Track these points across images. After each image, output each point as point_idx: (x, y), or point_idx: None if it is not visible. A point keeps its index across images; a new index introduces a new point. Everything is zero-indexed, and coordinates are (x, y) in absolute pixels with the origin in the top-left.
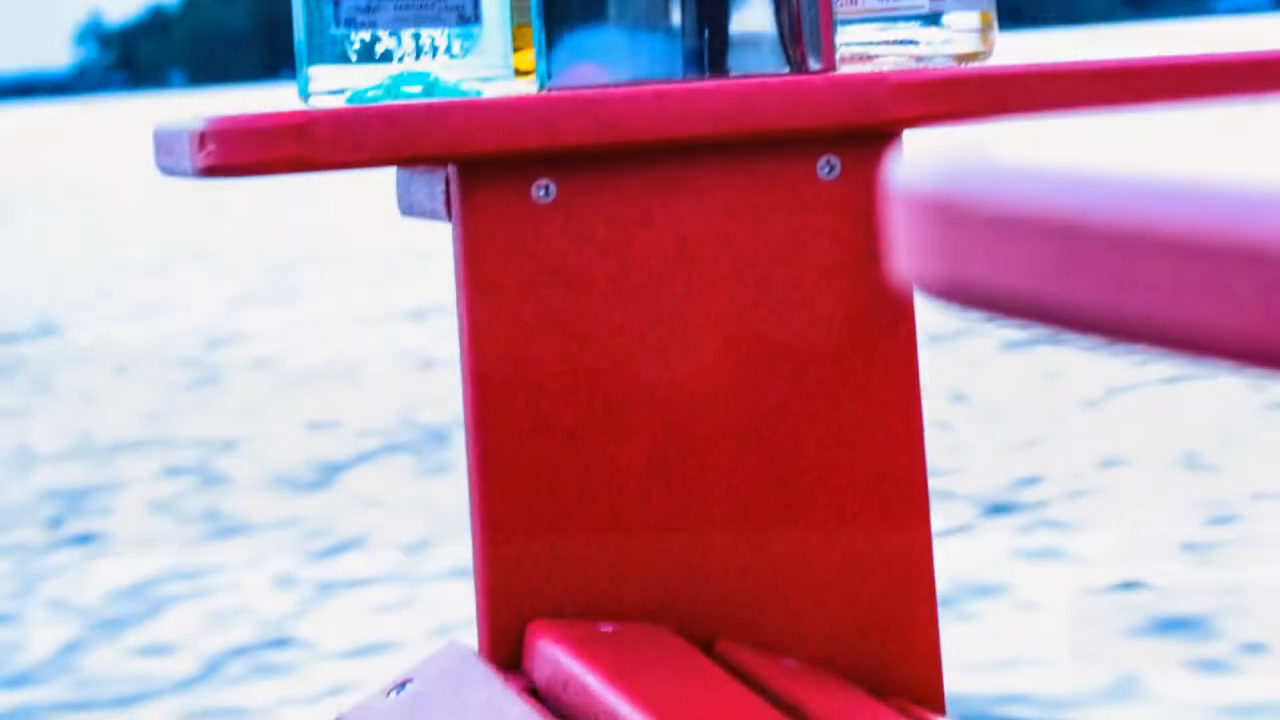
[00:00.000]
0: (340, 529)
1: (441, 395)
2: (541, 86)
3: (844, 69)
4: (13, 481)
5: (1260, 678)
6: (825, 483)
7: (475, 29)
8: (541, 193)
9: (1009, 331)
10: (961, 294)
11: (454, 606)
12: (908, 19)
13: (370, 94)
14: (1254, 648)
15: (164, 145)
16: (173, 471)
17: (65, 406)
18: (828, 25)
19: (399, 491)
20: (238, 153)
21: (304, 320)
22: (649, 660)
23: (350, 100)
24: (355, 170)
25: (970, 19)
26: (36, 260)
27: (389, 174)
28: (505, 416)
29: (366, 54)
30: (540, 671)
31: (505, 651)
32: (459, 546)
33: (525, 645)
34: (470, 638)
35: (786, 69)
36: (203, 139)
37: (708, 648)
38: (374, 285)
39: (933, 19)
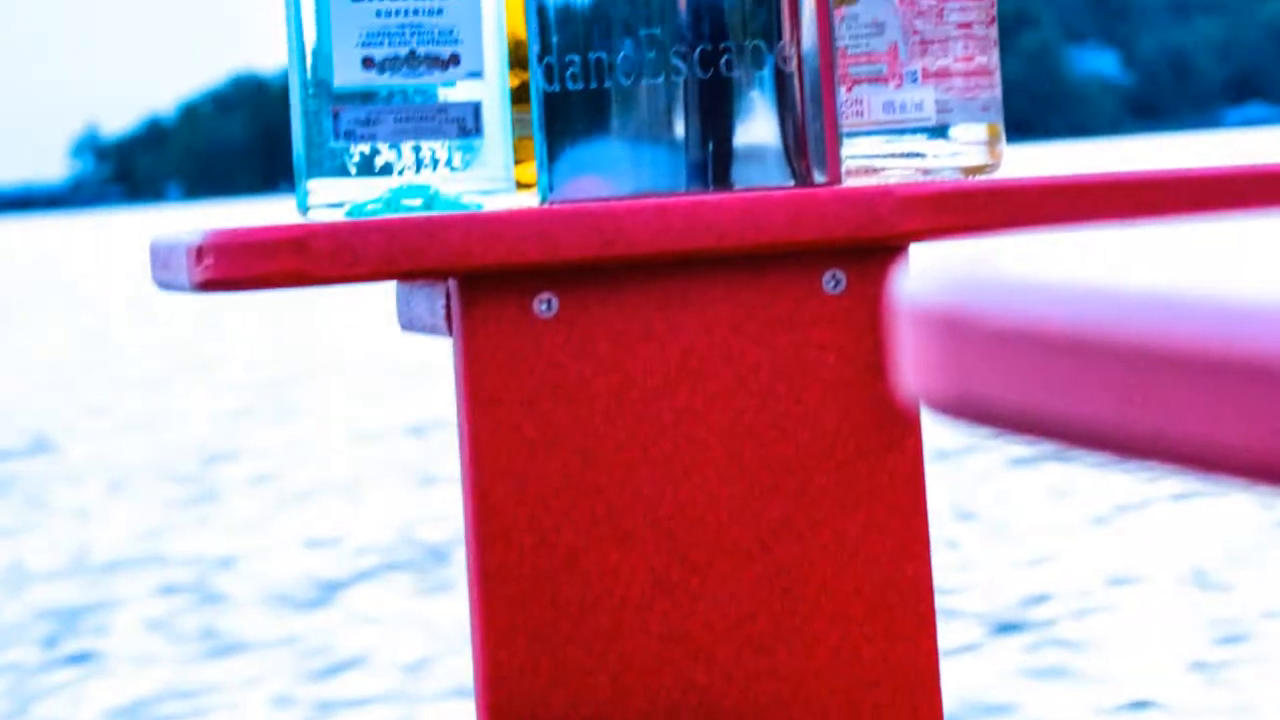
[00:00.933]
0: (339, 648)
1: (442, 512)
2: (543, 199)
3: (849, 182)
4: (7, 600)
5: None
6: (830, 598)
7: (476, 141)
8: (543, 307)
9: (1016, 448)
10: (968, 410)
11: None
12: (914, 131)
13: (370, 207)
14: None
15: (161, 259)
16: (169, 589)
17: (60, 524)
18: (833, 138)
19: (399, 609)
20: (236, 267)
21: (303, 435)
22: None
23: (350, 213)
24: (355, 284)
25: (977, 131)
26: (32, 375)
27: (389, 287)
28: (507, 532)
29: (366, 167)
30: None
31: None
32: (459, 665)
33: None
34: None
35: (791, 182)
36: (200, 253)
37: None
38: (373, 400)
39: (939, 131)
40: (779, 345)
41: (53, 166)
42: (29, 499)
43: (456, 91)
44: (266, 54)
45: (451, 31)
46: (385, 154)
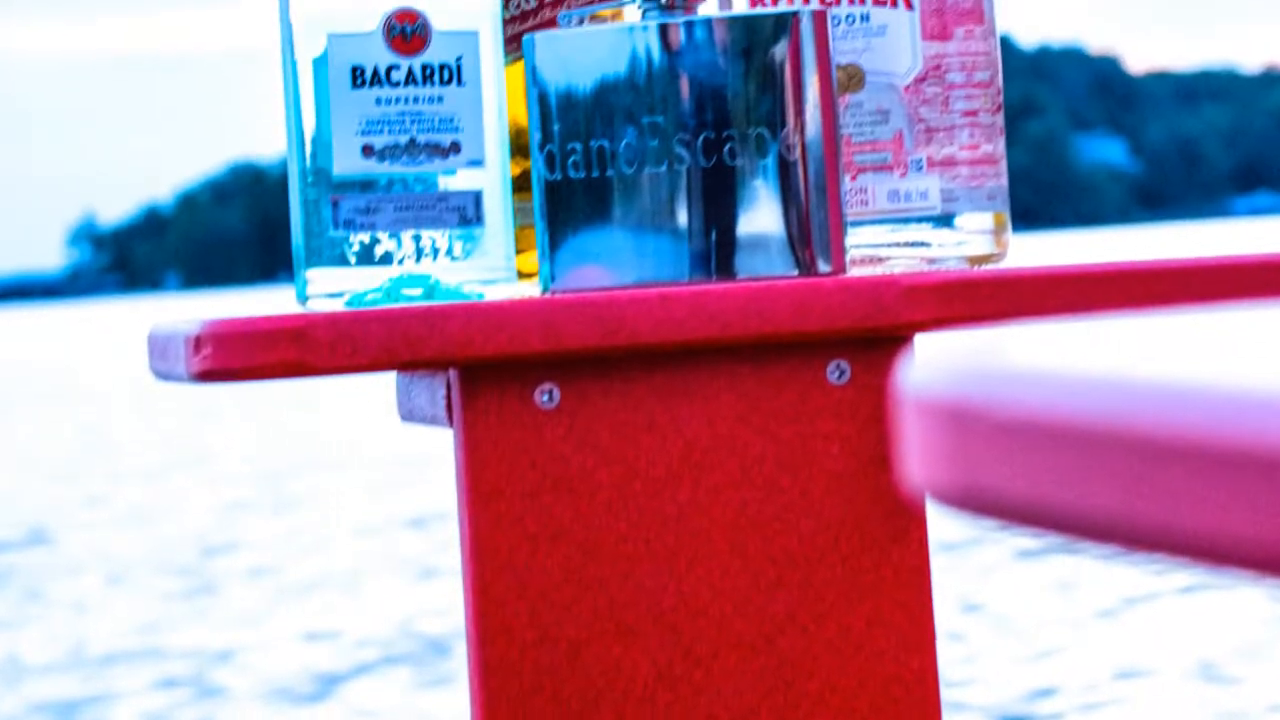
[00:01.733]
0: None
1: (443, 605)
2: (545, 289)
3: (854, 271)
4: (3, 694)
5: None
6: (835, 692)
7: (477, 230)
8: (545, 398)
9: (1023, 540)
10: (974, 502)
11: None
12: (919, 220)
13: (370, 297)
14: None
15: (158, 349)
16: (167, 683)
17: (57, 616)
18: (837, 227)
19: (399, 704)
20: (234, 357)
21: (301, 528)
22: None
23: (349, 303)
24: (354, 375)
25: (983, 220)
26: (28, 466)
27: (389, 377)
28: (508, 626)
29: (366, 256)
30: None
31: None
32: None
33: None
34: None
35: (795, 271)
36: (198, 343)
37: None
38: (373, 492)
39: (945, 220)
40: (783, 436)
41: (49, 256)
42: (26, 591)
43: (457, 180)
44: (265, 142)
45: (452, 119)
46: (385, 243)
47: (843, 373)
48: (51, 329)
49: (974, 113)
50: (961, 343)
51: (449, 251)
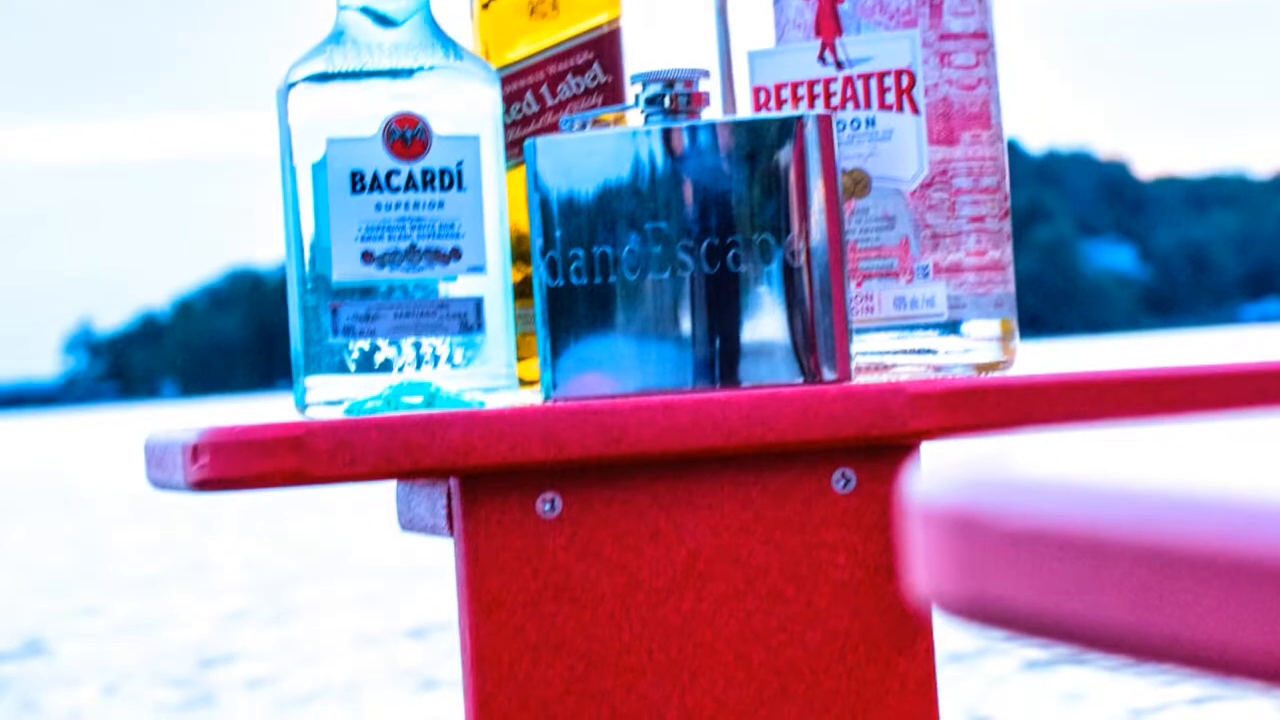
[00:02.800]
0: None
1: (444, 717)
2: (547, 397)
3: (859, 379)
4: None
5: None
6: None
7: (478, 337)
8: (547, 507)
9: (1031, 650)
10: (982, 612)
11: None
12: (925, 327)
13: (369, 405)
14: None
15: (155, 458)
16: None
17: None
18: (843, 334)
19: None
20: (232, 466)
21: (300, 638)
22: None
23: (348, 411)
24: (354, 484)
25: (990, 327)
26: (24, 575)
27: (389, 486)
28: None
29: (365, 364)
30: None
31: None
32: None
33: None
34: None
35: (800, 379)
36: (195, 452)
37: None
38: (373, 602)
39: (951, 327)
40: (788, 546)
41: (45, 363)
42: (21, 702)
43: (458, 286)
44: (263, 248)
45: (453, 225)
46: (385, 350)
47: (848, 481)
48: (47, 437)
49: (981, 218)
50: (968, 451)
51: (450, 359)
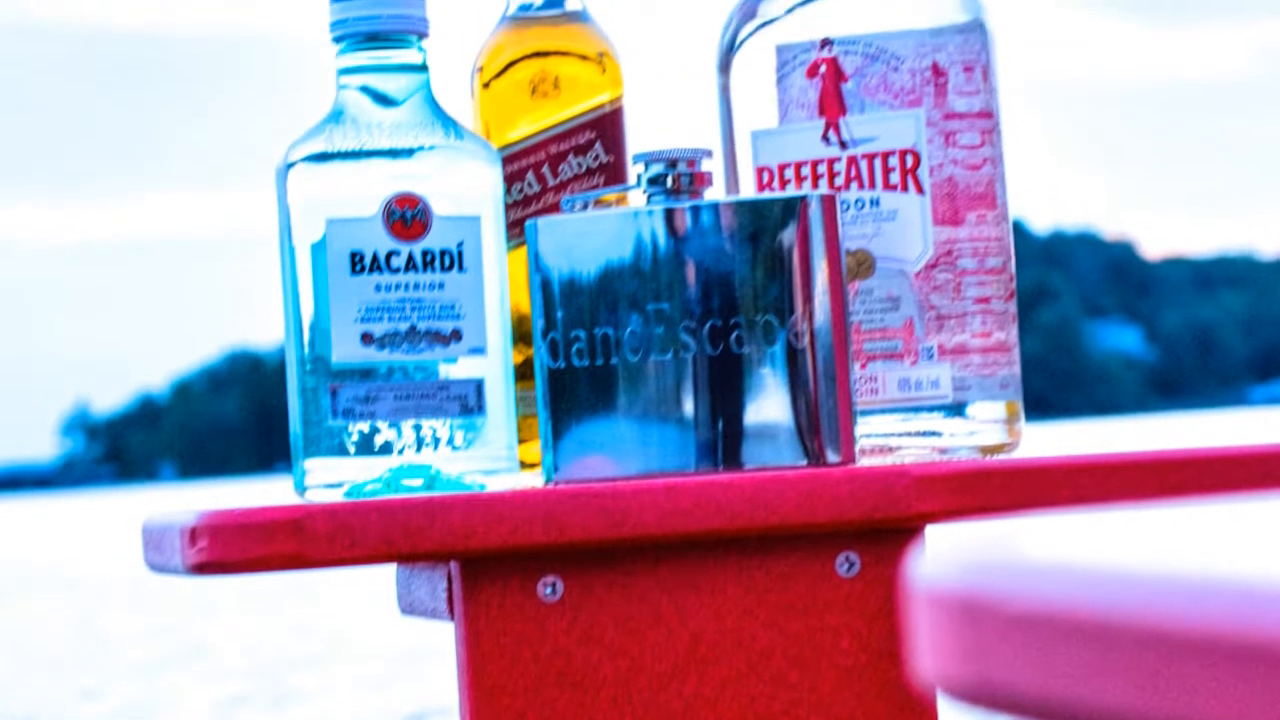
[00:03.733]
0: None
1: None
2: (548, 480)
3: (864, 461)
4: None
5: None
6: None
7: (479, 420)
8: (548, 590)
9: None
10: (987, 696)
11: None
12: (930, 410)
13: (369, 488)
14: None
15: (153, 541)
16: None
17: None
18: (847, 416)
19: None
20: (230, 549)
21: None
22: None
23: (348, 494)
24: (353, 567)
25: (995, 409)
26: (21, 658)
27: (389, 569)
28: None
29: (365, 446)
30: None
31: None
32: None
33: None
34: None
35: (804, 461)
36: (194, 535)
37: None
38: (374, 686)
39: (956, 410)
40: (791, 630)
41: (42, 446)
42: None
43: (458, 368)
44: (262, 329)
45: (453, 306)
46: (385, 433)
47: (852, 565)
48: (44, 520)
49: (986, 299)
50: (973, 534)
51: (450, 441)
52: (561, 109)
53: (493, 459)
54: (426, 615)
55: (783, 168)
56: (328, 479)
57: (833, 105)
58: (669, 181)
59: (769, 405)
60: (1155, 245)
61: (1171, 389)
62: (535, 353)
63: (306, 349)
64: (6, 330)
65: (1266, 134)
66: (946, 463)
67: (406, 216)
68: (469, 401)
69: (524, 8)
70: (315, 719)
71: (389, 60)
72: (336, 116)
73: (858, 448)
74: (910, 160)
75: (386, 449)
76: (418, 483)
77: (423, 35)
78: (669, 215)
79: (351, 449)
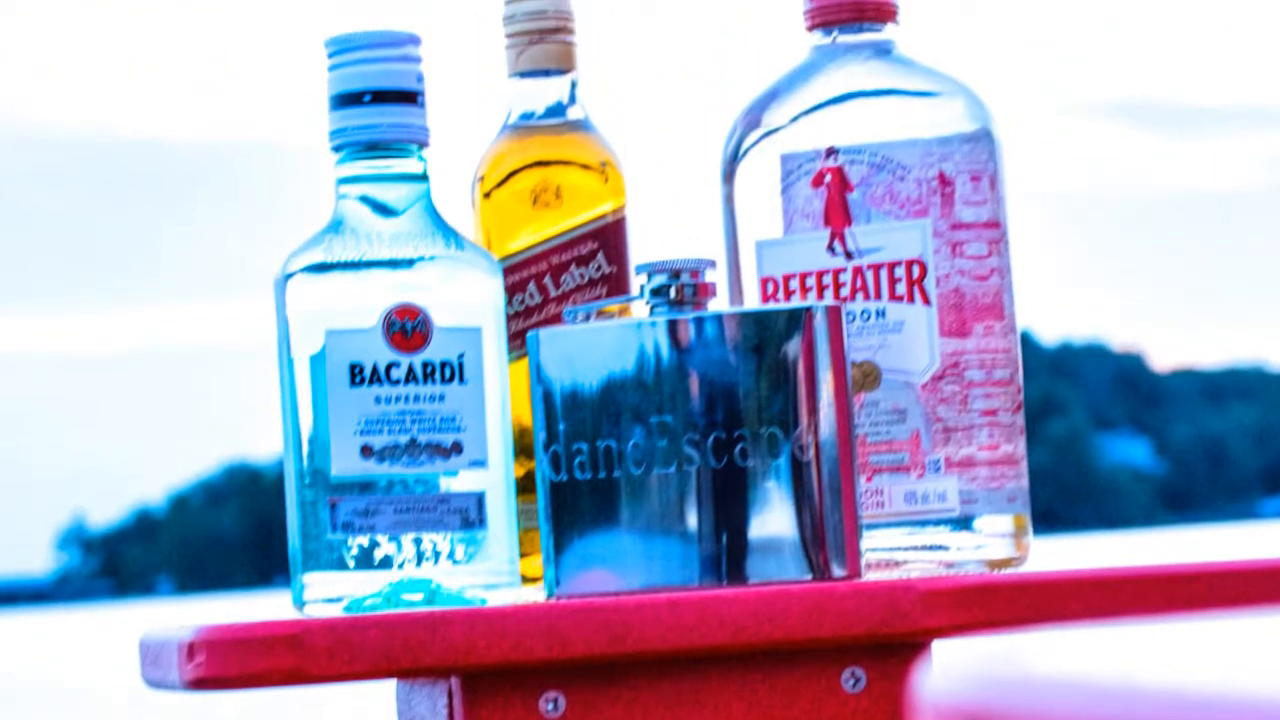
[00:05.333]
0: None
1: None
2: (550, 594)
3: (869, 576)
4: None
5: None
6: None
7: (480, 533)
8: (550, 706)
9: None
10: None
11: None
12: (937, 523)
13: (369, 602)
14: None
15: (151, 656)
16: None
17: None
18: (852, 530)
19: None
20: (229, 664)
21: None
22: None
23: (348, 609)
24: (353, 683)
25: (1003, 523)
26: None
27: (389, 684)
28: None
29: (365, 560)
30: None
31: None
32: None
33: None
34: None
35: (809, 576)
36: (191, 650)
37: None
38: None
39: (963, 523)
40: None
41: (37, 560)
42: None
43: (459, 481)
44: (260, 442)
45: (454, 418)
46: (385, 546)
47: (858, 680)
48: (40, 635)
49: (993, 411)
50: (981, 649)
51: (451, 555)
52: (563, 219)
53: (494, 573)
54: None
55: (788, 278)
56: (327, 593)
57: (838, 215)
58: (672, 292)
59: (773, 519)
60: (1165, 357)
61: (1181, 502)
62: (537, 465)
63: (305, 462)
64: (1, 443)
65: (1277, 246)
66: (953, 577)
67: (407, 328)
68: (470, 515)
69: (526, 116)
70: None
71: (389, 169)
72: (336, 226)
73: (863, 562)
74: (917, 271)
75: (386, 563)
76: (418, 597)
77: (423, 144)
78: (672, 327)
79: (351, 563)
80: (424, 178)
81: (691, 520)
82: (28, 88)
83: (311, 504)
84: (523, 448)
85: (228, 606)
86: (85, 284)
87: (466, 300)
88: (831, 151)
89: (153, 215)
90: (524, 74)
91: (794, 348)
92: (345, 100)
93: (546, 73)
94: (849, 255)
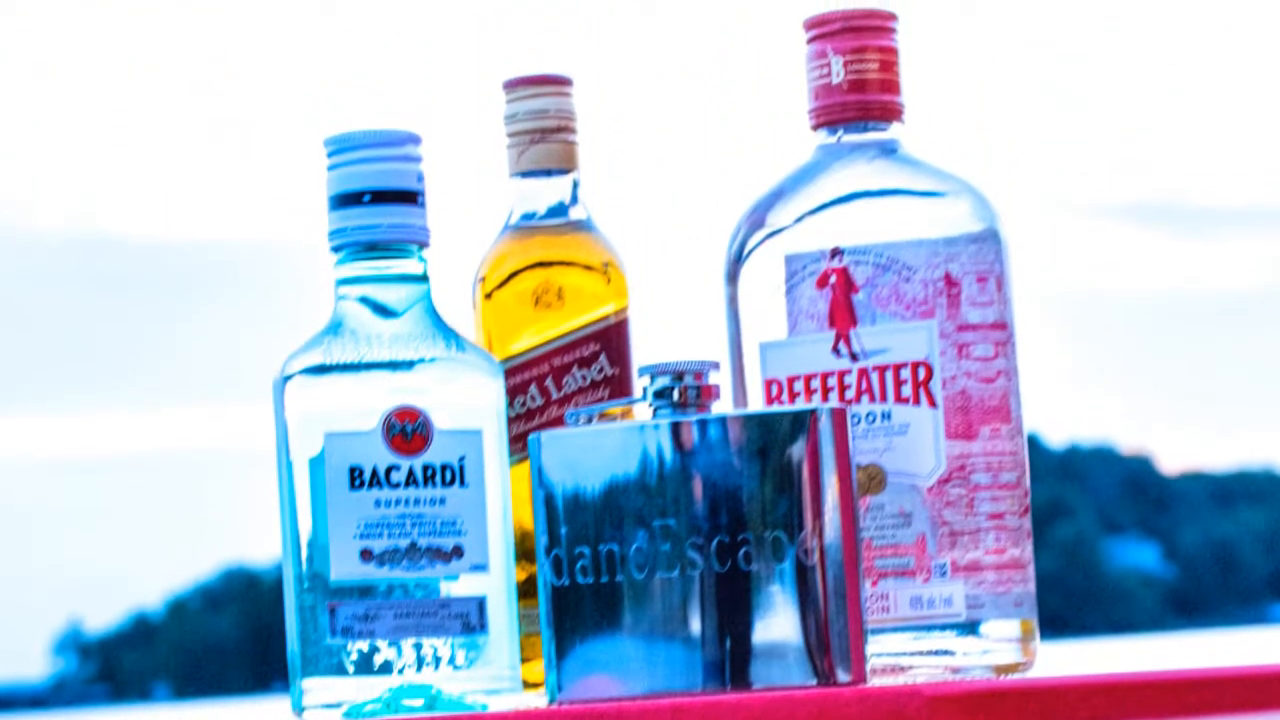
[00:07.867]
0: None
1: None
2: (551, 700)
3: (875, 681)
4: None
5: None
6: None
7: (481, 638)
8: None
9: None
10: None
11: None
12: (943, 628)
13: (368, 708)
14: None
15: None
16: None
17: None
18: (858, 635)
19: None
20: None
21: None
22: None
23: (347, 714)
24: None
25: (1010, 628)
26: None
27: None
28: None
29: (364, 665)
30: None
31: None
32: None
33: None
34: None
35: (814, 681)
36: None
37: None
38: None
39: (970, 628)
40: None
41: (33, 665)
42: None
43: (460, 585)
44: (259, 546)
45: (454, 522)
46: (384, 652)
47: None
48: None
49: (1000, 515)
50: None
51: (451, 660)
52: (565, 320)
53: (495, 678)
54: None
55: (792, 380)
56: (326, 699)
57: (843, 316)
58: (675, 394)
59: (778, 624)
60: (1173, 460)
61: (1189, 606)
62: (538, 570)
63: (304, 566)
64: None
65: None
66: (960, 682)
67: (407, 430)
68: (471, 620)
69: (527, 216)
70: None
71: (389, 270)
72: (335, 328)
73: (869, 667)
74: (923, 373)
75: (386, 668)
76: (418, 703)
77: (423, 244)
78: (675, 429)
79: (350, 668)
80: (424, 278)
81: (695, 625)
82: (23, 189)
83: (311, 608)
84: (524, 551)
85: (225, 712)
86: (80, 387)
87: (467, 402)
88: (836, 252)
89: (151, 318)
90: (526, 174)
91: (798, 450)
92: (345, 200)
93: (548, 172)
94: (854, 357)
